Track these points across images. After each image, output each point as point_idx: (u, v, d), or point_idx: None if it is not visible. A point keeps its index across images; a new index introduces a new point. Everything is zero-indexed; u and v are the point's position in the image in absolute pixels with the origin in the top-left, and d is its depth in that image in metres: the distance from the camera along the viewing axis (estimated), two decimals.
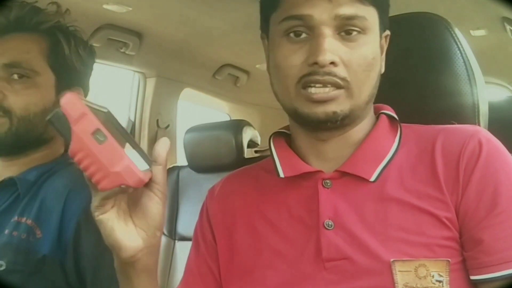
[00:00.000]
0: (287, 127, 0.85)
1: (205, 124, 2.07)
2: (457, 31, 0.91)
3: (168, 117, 2.19)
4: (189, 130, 2.02)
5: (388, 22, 0.80)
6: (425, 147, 0.76)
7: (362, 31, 0.73)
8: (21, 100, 1.02)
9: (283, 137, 0.85)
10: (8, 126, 1.01)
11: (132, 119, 2.12)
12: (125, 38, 1.78)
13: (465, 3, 1.65)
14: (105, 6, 1.54)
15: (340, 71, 0.71)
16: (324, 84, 0.71)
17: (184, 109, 2.34)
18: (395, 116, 0.81)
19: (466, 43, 0.91)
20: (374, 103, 0.81)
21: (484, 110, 0.90)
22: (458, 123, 0.86)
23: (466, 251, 0.70)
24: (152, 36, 1.83)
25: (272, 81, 0.79)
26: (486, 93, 0.92)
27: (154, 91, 2.08)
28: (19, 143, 1.04)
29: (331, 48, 0.71)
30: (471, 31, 1.90)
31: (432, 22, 0.92)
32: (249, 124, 2.00)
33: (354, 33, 0.72)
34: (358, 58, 0.72)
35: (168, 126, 2.17)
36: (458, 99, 0.89)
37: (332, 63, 0.71)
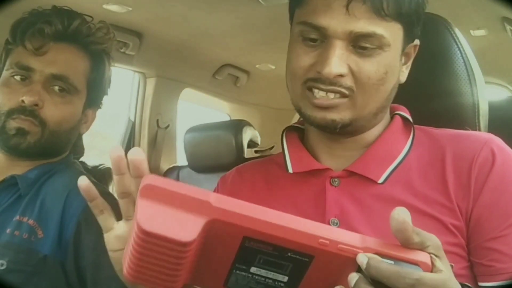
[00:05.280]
0: (302, 122, 0.85)
1: (205, 124, 2.06)
2: (457, 31, 0.91)
3: (168, 117, 2.18)
4: (189, 130, 2.02)
5: (418, 32, 0.77)
6: (437, 152, 0.76)
7: (379, 47, 0.70)
8: (57, 115, 1.02)
9: (296, 132, 0.85)
10: (38, 137, 1.01)
11: (132, 119, 2.11)
12: (125, 38, 1.78)
13: (465, 3, 1.65)
14: (105, 6, 1.54)
15: (347, 80, 0.70)
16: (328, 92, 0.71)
17: (184, 109, 2.34)
18: (410, 118, 0.80)
19: (466, 43, 0.91)
20: None
21: (484, 110, 0.90)
22: (458, 123, 0.86)
23: (477, 258, 0.70)
24: (152, 36, 1.83)
25: (286, 73, 0.78)
26: (486, 93, 0.92)
27: (154, 91, 2.08)
28: (42, 152, 1.05)
29: (340, 60, 0.69)
30: (471, 31, 1.89)
31: (432, 22, 0.91)
32: (249, 124, 2.00)
33: (369, 48, 0.70)
34: (369, 72, 0.70)
35: (168, 126, 2.17)
36: (458, 99, 0.89)
37: (339, 75, 0.70)
